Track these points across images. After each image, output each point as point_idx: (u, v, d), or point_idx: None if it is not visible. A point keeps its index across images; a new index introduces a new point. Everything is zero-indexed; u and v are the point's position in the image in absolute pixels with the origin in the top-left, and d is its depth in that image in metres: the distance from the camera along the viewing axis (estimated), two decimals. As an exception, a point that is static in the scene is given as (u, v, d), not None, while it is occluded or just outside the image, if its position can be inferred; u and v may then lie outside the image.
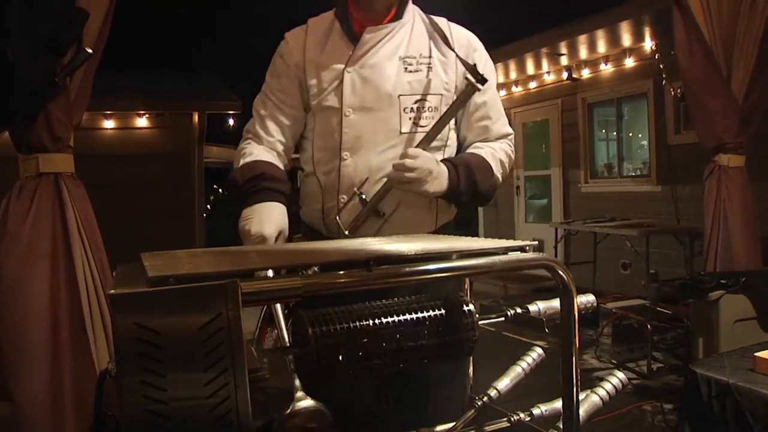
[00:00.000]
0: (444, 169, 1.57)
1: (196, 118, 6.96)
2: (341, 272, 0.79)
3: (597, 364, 4.51)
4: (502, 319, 1.09)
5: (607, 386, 1.10)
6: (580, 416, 1.01)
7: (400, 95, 1.60)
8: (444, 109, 1.62)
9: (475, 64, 1.63)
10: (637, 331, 4.53)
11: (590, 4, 5.66)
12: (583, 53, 6.43)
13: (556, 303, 1.12)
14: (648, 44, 5.98)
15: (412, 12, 1.69)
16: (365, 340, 0.91)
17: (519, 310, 1.10)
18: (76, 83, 2.03)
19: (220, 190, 12.21)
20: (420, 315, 0.98)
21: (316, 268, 0.87)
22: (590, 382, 1.11)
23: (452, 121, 1.67)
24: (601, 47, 6.23)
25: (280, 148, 1.68)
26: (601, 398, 1.09)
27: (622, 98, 6.43)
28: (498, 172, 1.68)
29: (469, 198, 1.63)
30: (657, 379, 4.13)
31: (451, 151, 1.69)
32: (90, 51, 1.95)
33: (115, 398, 0.75)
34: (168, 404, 0.72)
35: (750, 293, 3.02)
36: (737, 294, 3.01)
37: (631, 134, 6.74)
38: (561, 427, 1.02)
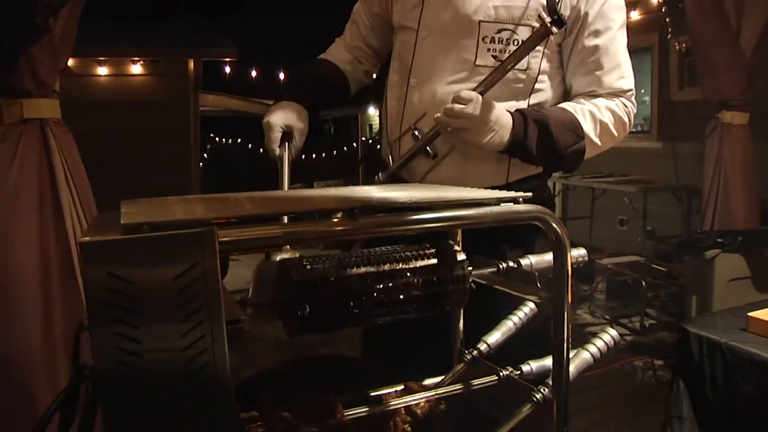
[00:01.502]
0: (508, 120, 1.34)
1: (191, 65, 6.83)
2: (324, 221, 0.76)
3: (590, 319, 4.55)
4: (494, 271, 1.06)
5: (599, 343, 1.07)
6: (570, 373, 0.99)
7: (482, 21, 1.38)
8: (533, 44, 1.37)
9: (557, 2, 1.35)
10: (631, 288, 4.55)
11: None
12: (588, 5, 6.26)
13: (548, 257, 1.09)
14: (655, -4, 5.83)
15: None
16: (350, 289, 0.88)
17: (511, 263, 1.07)
18: (60, 25, 1.95)
19: (217, 138, 12.15)
20: (410, 264, 0.95)
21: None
22: (583, 337, 1.10)
23: (544, 64, 1.43)
24: (607, -1, 6.07)
25: (358, 53, 1.66)
26: (592, 355, 1.06)
27: (626, 52, 6.30)
28: (593, 134, 1.41)
29: (545, 159, 1.41)
30: (649, 336, 4.17)
31: (543, 97, 1.45)
32: (72, -10, 1.87)
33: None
34: (142, 356, 0.70)
35: (746, 253, 3.00)
36: (733, 253, 3.00)
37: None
38: (550, 383, 1.00)
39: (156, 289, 0.69)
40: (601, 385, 3.29)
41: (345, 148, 10.88)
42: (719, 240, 3.04)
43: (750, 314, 1.75)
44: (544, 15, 1.31)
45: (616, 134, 1.46)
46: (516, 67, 1.38)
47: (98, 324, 0.69)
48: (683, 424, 1.81)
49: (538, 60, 1.42)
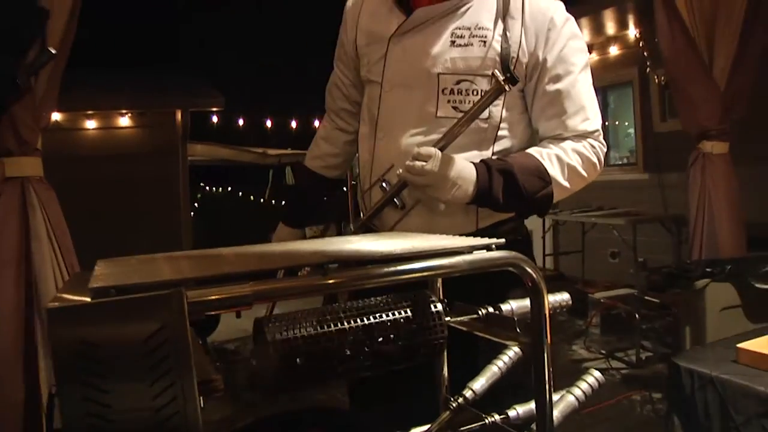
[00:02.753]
0: (470, 173, 1.35)
1: (179, 115, 6.89)
2: (295, 277, 0.76)
3: (586, 354, 4.52)
4: (474, 317, 1.06)
5: (583, 386, 1.06)
6: (554, 418, 0.98)
7: (440, 73, 1.41)
8: (488, 101, 1.39)
9: (510, 57, 1.39)
10: (625, 321, 4.53)
11: (573, -7, 5.64)
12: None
13: (528, 302, 1.09)
14: (632, 32, 5.96)
15: None
16: (325, 346, 0.87)
17: (491, 309, 1.07)
18: (42, 84, 1.96)
19: (207, 187, 12.17)
20: (385, 317, 0.94)
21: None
22: (580, 372, 1.08)
23: (506, 112, 1.44)
24: (586, 36, 6.20)
25: (345, 116, 1.73)
26: (577, 398, 1.06)
27: (607, 87, 6.41)
28: (561, 177, 1.41)
29: (513, 206, 1.42)
30: (646, 369, 4.13)
31: (508, 143, 1.46)
32: (53, 51, 1.89)
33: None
34: (113, 421, 0.69)
35: (735, 281, 3.00)
36: (723, 282, 3.00)
37: (617, 122, 6.73)
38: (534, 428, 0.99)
39: (125, 352, 0.69)
40: (599, 421, 3.25)
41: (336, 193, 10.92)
42: (708, 269, 3.04)
43: (739, 345, 1.74)
44: (497, 73, 1.33)
45: (585, 175, 1.46)
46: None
47: (67, 389, 0.68)
48: (680, 460, 1.79)
49: (499, 108, 1.43)
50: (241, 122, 8.45)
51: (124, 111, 6.66)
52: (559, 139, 1.46)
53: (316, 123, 9.00)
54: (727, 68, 3.32)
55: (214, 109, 7.32)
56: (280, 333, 0.84)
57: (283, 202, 2.01)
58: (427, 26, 1.45)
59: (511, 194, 1.37)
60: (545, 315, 0.92)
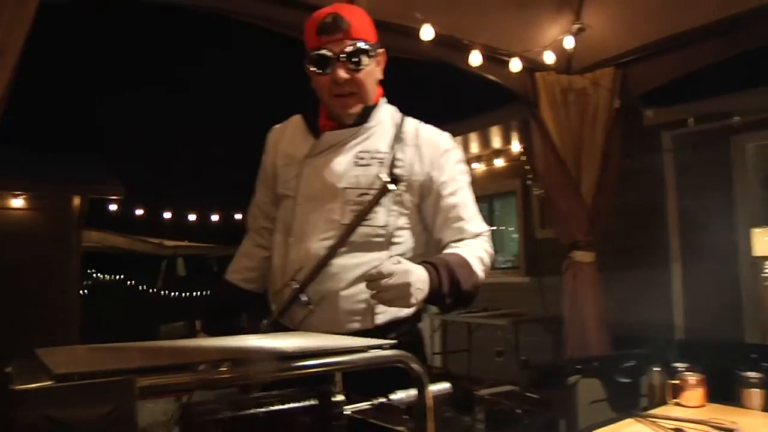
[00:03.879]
0: (423, 272, 1.54)
1: (77, 201, 6.78)
2: (226, 368, 0.93)
3: (472, 449, 4.70)
4: (369, 406, 1.24)
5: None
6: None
7: (346, 188, 1.68)
8: (390, 204, 1.68)
9: (395, 167, 1.68)
10: (509, 416, 4.78)
11: (465, 109, 6.20)
12: (459, 153, 6.93)
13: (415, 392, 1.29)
14: (516, 147, 6.57)
15: (382, 114, 1.78)
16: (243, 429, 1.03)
17: (383, 399, 1.26)
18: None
19: (97, 274, 11.74)
20: (296, 404, 1.11)
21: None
22: None
23: (402, 220, 1.71)
24: (475, 148, 6.78)
25: (263, 232, 1.92)
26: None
27: (493, 195, 6.96)
28: (478, 269, 1.66)
29: (453, 299, 1.61)
30: (527, 462, 4.35)
31: (402, 249, 1.71)
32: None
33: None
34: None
35: (601, 377, 3.34)
36: (591, 378, 3.32)
37: (502, 228, 7.27)
38: None
39: (84, 428, 0.83)
40: None
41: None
42: (578, 367, 3.36)
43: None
44: (383, 176, 1.64)
45: (489, 264, 1.73)
46: (375, 224, 1.67)
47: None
48: None
49: (395, 217, 1.71)
50: (139, 212, 8.37)
51: (18, 192, 6.48)
52: (460, 240, 1.74)
53: (214, 217, 9.04)
54: (593, 186, 3.82)
55: (114, 197, 7.25)
56: (206, 416, 1.00)
57: (205, 313, 2.07)
58: (336, 149, 1.73)
59: (453, 287, 1.59)
60: (428, 404, 1.13)
